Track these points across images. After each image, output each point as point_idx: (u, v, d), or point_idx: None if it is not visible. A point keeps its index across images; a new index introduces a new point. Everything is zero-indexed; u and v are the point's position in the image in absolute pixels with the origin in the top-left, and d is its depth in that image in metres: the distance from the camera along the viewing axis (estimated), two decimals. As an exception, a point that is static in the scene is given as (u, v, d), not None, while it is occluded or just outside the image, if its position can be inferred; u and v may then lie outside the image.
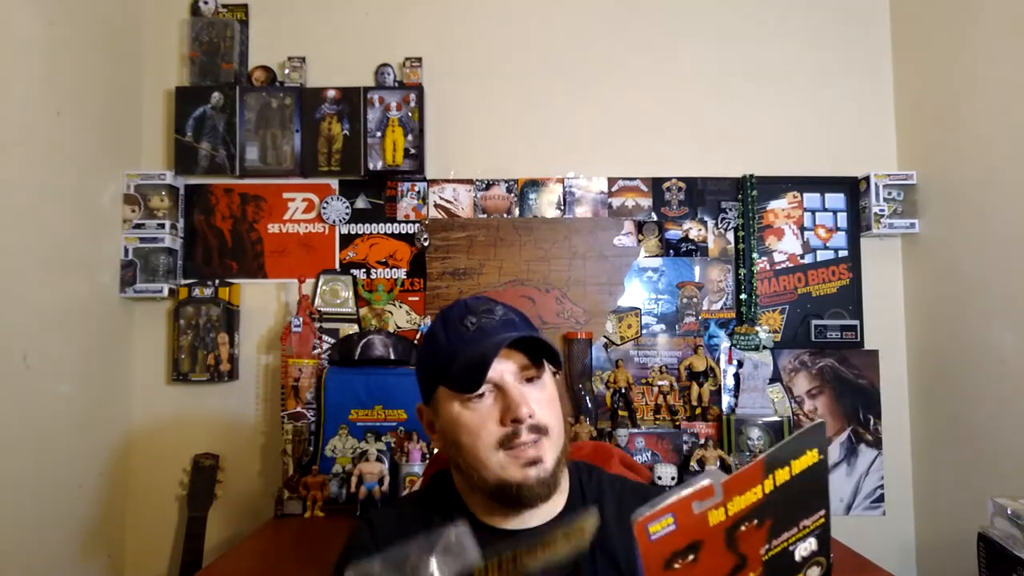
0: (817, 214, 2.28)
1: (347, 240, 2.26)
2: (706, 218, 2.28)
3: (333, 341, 2.17)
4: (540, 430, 0.88)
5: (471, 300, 0.96)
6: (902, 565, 2.16)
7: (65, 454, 1.86)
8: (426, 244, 2.24)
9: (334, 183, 2.26)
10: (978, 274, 1.91)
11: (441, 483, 0.99)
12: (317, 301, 2.21)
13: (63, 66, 1.88)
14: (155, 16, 2.28)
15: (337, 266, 2.25)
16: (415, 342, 2.16)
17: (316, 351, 2.14)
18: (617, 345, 2.22)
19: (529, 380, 0.91)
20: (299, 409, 2.06)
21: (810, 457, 0.57)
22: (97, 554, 2.01)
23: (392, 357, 2.06)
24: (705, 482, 0.54)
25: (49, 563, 1.78)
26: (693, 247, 2.27)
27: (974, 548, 1.13)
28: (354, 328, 2.20)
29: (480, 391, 0.88)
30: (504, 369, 0.89)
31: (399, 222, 2.26)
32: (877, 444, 2.20)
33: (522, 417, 0.86)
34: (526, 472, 0.87)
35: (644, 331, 2.23)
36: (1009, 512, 1.08)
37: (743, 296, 2.23)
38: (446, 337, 0.92)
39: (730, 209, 2.27)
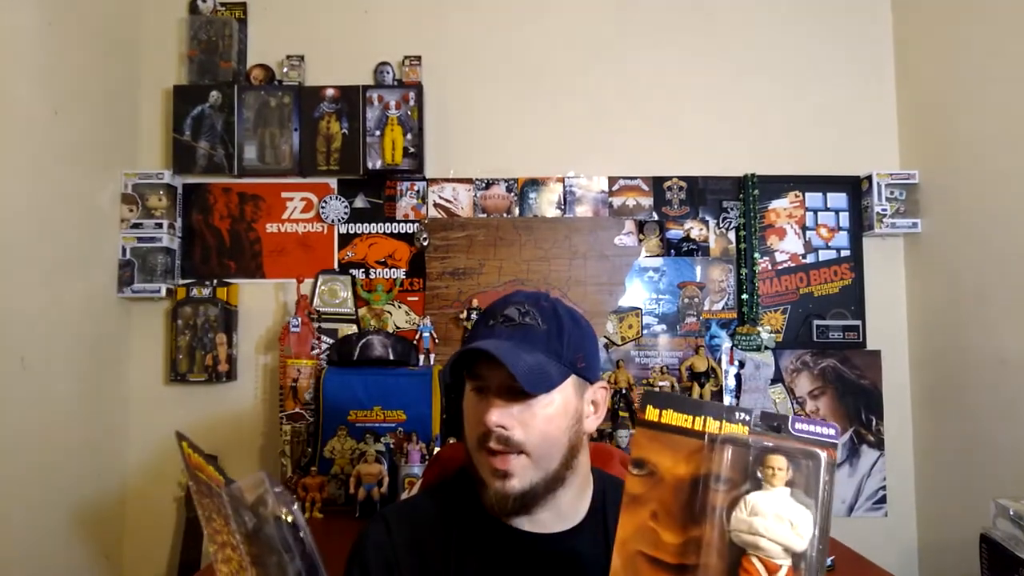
0: (819, 213, 2.27)
1: (346, 240, 2.25)
2: (707, 217, 2.27)
3: (332, 341, 2.16)
4: (511, 445, 0.87)
5: (514, 296, 0.95)
6: (904, 566, 2.15)
7: (63, 454, 1.85)
8: (425, 244, 2.23)
9: (333, 182, 2.26)
10: (981, 274, 1.90)
11: (464, 476, 0.99)
12: (316, 301, 2.20)
13: (61, 65, 1.87)
14: (153, 14, 2.28)
15: (336, 266, 2.24)
16: (414, 342, 2.15)
17: (315, 351, 2.13)
18: (618, 345, 2.21)
19: (522, 394, 0.87)
20: (298, 410, 2.05)
21: None
22: (95, 555, 2.00)
23: (391, 357, 2.05)
24: None
25: (47, 564, 1.77)
26: (694, 247, 2.26)
27: (976, 549, 1.12)
28: (353, 328, 2.19)
29: (479, 385, 0.91)
30: (500, 374, 0.87)
31: (398, 222, 2.25)
32: (879, 445, 2.18)
33: (488, 425, 0.87)
34: (492, 480, 0.89)
35: (645, 331, 2.22)
36: (1012, 513, 1.07)
37: (745, 296, 2.22)
38: (474, 327, 0.98)
39: (731, 208, 2.26)
